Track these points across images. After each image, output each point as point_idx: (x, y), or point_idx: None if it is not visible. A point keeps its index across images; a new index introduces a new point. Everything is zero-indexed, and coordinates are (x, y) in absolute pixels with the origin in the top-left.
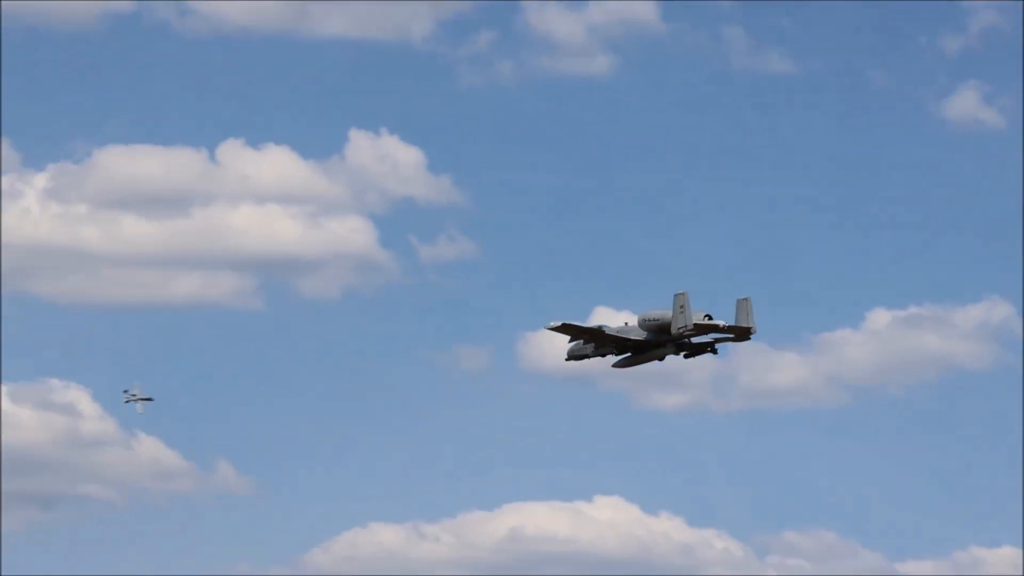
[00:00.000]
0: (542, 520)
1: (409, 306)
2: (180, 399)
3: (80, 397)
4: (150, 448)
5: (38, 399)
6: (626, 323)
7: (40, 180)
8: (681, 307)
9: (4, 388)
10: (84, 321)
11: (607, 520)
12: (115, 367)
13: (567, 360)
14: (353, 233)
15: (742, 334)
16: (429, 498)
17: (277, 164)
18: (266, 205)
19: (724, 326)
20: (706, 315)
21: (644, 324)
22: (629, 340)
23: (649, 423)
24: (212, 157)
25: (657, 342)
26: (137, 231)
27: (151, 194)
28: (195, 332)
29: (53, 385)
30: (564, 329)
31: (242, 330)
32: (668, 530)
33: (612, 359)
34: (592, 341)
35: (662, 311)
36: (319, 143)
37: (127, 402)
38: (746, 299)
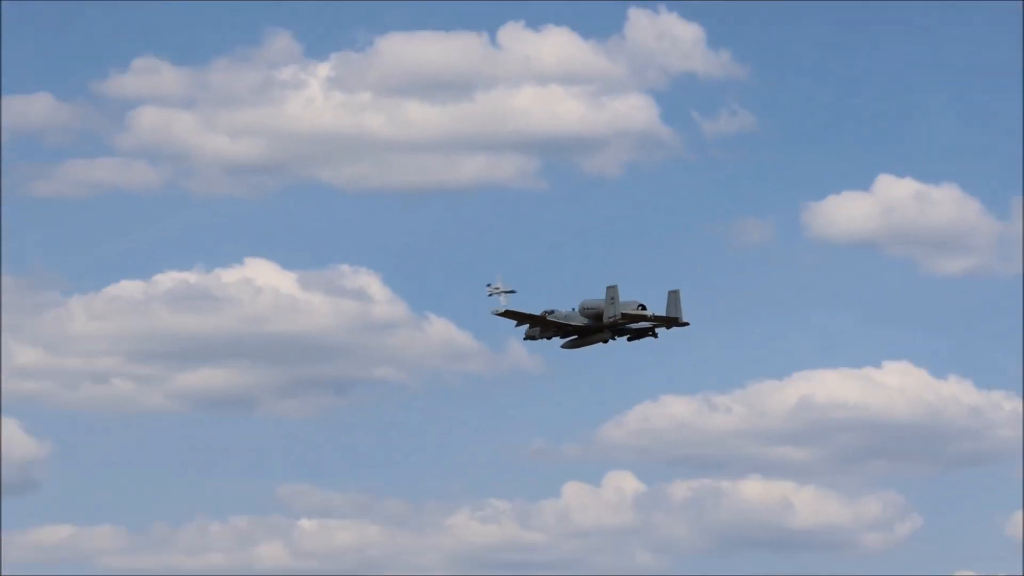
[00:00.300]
0: (831, 387)
1: (691, 181)
2: (468, 280)
3: (370, 282)
4: (441, 330)
5: (329, 285)
6: (573, 309)
7: (323, 70)
8: (611, 299)
9: (294, 275)
10: (371, 206)
11: (896, 385)
12: (403, 251)
13: (524, 339)
14: (634, 110)
15: (671, 323)
16: (719, 369)
17: (557, 45)
18: (548, 86)
19: (651, 316)
20: (640, 305)
21: (583, 312)
22: (570, 326)
23: (935, 288)
24: (493, 40)
25: (596, 328)
26: (420, 116)
27: (433, 79)
28: (480, 213)
29: (343, 271)
30: (509, 315)
31: (527, 210)
32: (957, 393)
33: (561, 340)
34: (537, 325)
35: (598, 301)
36: (599, 22)
37: (490, 295)
38: (676, 291)
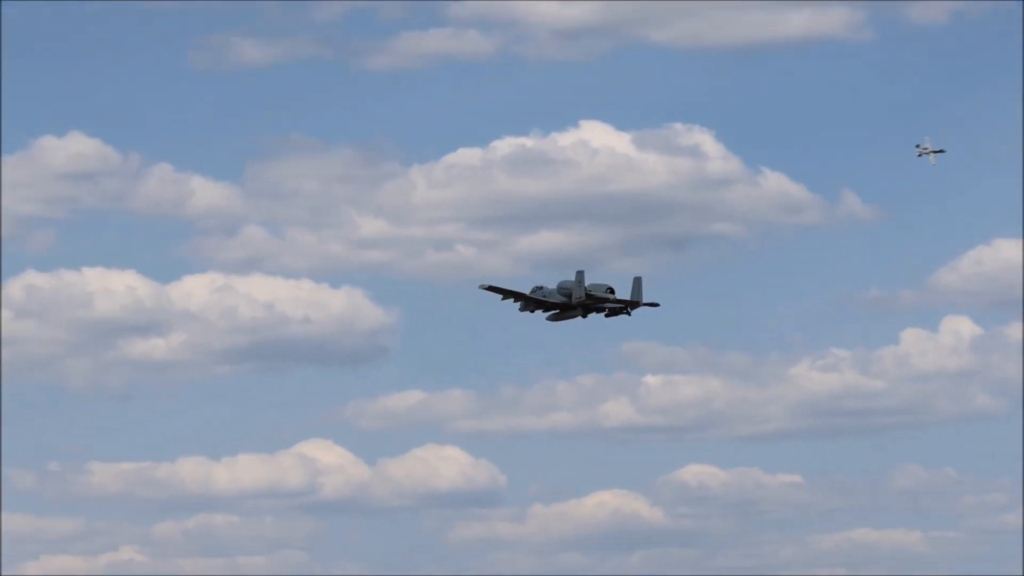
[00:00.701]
0: None
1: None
2: (800, 133)
3: (704, 139)
4: (776, 184)
5: (663, 144)
6: (558, 286)
7: None
8: (579, 282)
9: (629, 136)
10: (702, 64)
11: None
12: (735, 107)
13: (520, 311)
14: None
15: (635, 305)
16: None
17: None
18: None
19: (614, 298)
20: (608, 288)
21: (560, 291)
22: (549, 302)
23: None
24: None
25: (570, 305)
26: None
27: None
28: (809, 67)
29: (677, 130)
30: (493, 290)
31: (854, 62)
32: None
33: (544, 314)
34: (519, 300)
35: (571, 282)
36: None
37: (919, 155)
38: (638, 278)
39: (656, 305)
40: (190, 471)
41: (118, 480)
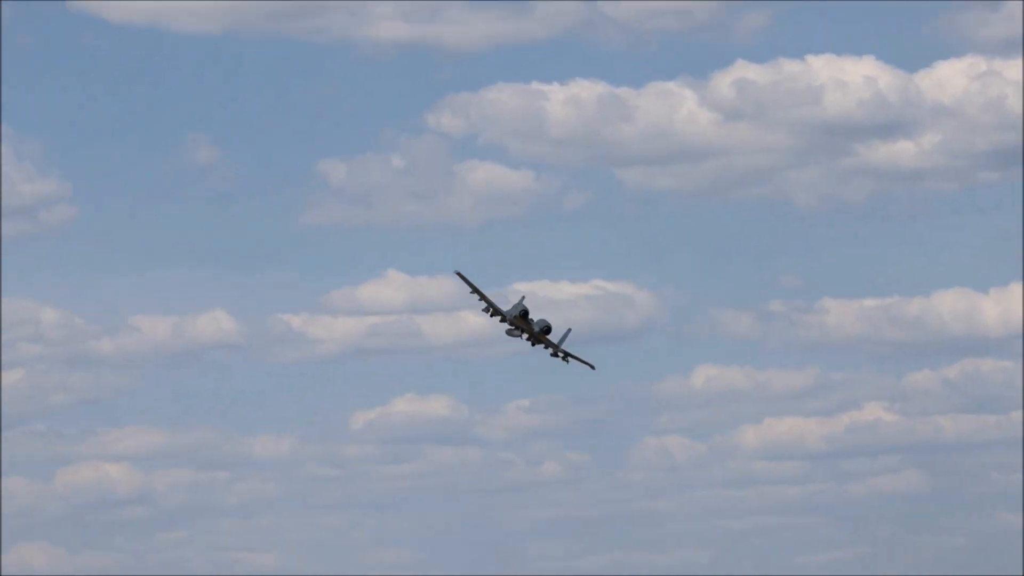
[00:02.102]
0: None
1: None
2: None
3: None
4: None
5: None
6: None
7: None
8: (515, 306)
9: None
10: None
11: None
12: None
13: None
14: None
15: (568, 355)
16: None
17: None
18: None
19: (543, 336)
20: (543, 326)
21: (511, 310)
22: (498, 311)
23: None
24: None
25: (513, 323)
26: None
27: None
28: None
29: None
30: (461, 278)
31: None
32: None
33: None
34: (480, 300)
35: (512, 305)
36: None
37: None
38: (568, 330)
39: (591, 367)
40: (948, 306)
41: (859, 320)
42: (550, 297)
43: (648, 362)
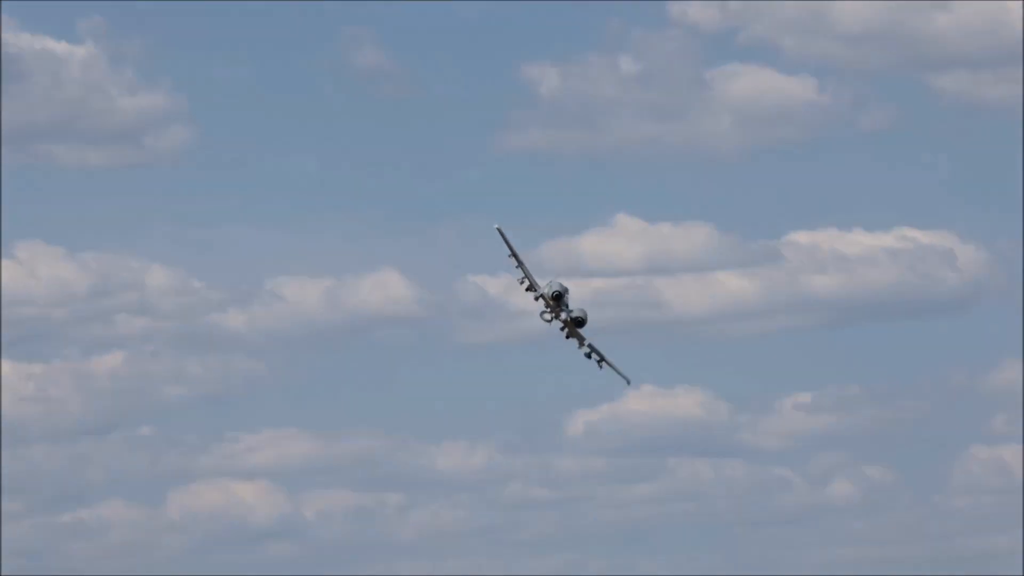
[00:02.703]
0: None
1: None
2: None
3: None
4: None
5: None
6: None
7: None
8: (551, 284)
9: None
10: None
11: None
12: None
13: None
14: None
15: (603, 361)
16: None
17: None
18: None
19: (575, 328)
20: (579, 315)
21: (545, 288)
22: (535, 285)
23: None
24: None
25: (547, 302)
26: None
27: None
28: None
29: None
30: (502, 236)
31: None
32: None
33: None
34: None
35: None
36: None
37: None
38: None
39: (627, 381)
40: None
41: None
42: (839, 251)
43: (977, 342)
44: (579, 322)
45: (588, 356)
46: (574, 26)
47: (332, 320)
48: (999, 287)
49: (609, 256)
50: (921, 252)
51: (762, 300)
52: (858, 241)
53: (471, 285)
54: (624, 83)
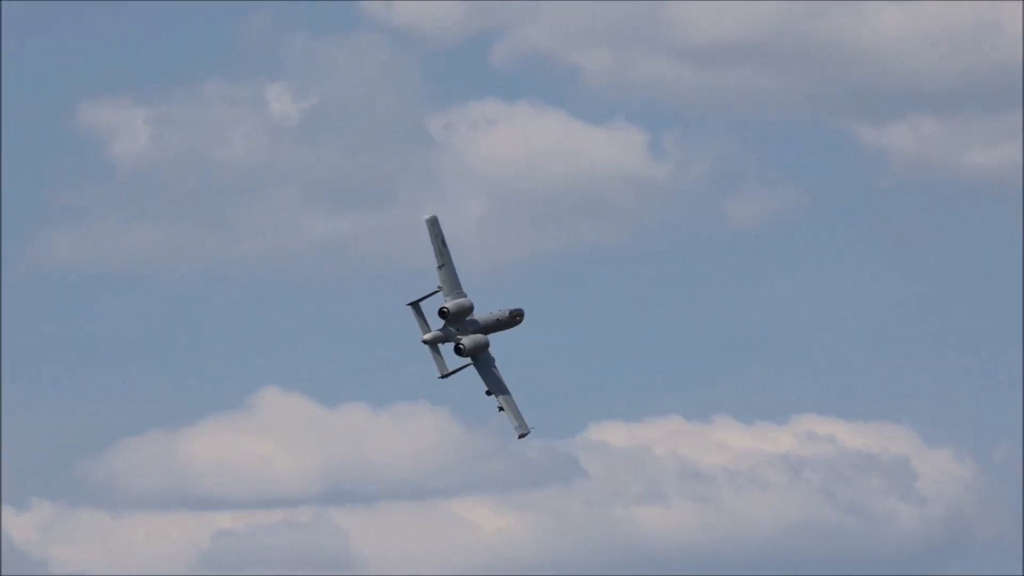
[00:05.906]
0: None
1: None
2: None
3: None
4: None
5: None
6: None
7: None
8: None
9: None
10: None
11: None
12: None
13: None
14: None
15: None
16: None
17: None
18: None
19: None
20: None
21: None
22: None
23: None
24: None
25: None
26: None
27: None
28: None
29: None
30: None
31: None
32: None
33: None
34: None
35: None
36: None
37: None
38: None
39: (522, 434)
40: None
41: None
42: None
43: None
44: (469, 352)
45: (488, 393)
46: None
47: None
48: None
49: None
50: None
51: None
52: None
53: None
54: None
